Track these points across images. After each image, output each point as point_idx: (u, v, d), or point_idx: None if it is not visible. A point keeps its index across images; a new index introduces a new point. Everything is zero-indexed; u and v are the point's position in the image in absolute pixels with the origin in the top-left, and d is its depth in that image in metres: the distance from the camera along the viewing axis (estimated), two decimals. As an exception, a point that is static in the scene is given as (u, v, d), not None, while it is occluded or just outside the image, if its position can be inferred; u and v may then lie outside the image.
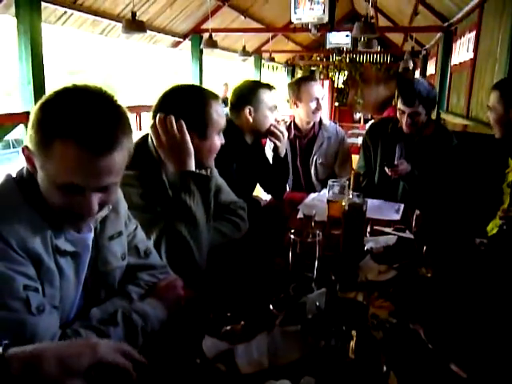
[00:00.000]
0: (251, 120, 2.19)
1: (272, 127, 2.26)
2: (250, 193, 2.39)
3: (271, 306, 1.05)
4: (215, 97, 1.55)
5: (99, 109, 0.91)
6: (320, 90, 2.78)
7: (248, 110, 2.17)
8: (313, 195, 2.47)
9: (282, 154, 2.35)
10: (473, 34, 5.37)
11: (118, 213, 1.13)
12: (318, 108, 2.73)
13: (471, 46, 5.40)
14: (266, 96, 2.21)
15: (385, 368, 0.82)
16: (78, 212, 0.94)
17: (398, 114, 2.43)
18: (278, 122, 2.39)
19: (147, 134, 1.52)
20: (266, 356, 0.91)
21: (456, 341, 1.00)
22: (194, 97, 1.51)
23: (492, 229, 1.93)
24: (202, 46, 7.15)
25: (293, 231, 1.16)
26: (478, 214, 2.00)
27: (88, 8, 5.55)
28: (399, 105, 2.39)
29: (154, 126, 1.47)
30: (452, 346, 0.97)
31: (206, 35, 6.88)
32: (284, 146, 2.36)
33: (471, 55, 5.34)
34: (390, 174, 2.34)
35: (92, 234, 1.05)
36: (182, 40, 8.03)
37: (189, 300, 1.19)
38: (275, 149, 2.34)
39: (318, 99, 2.72)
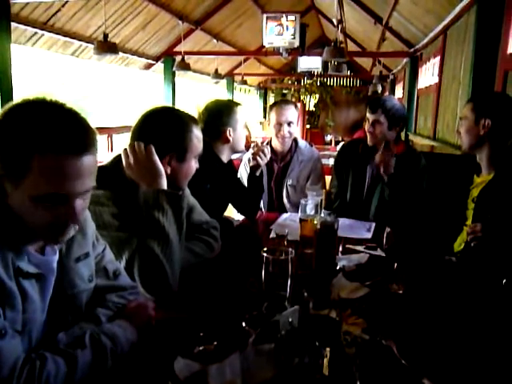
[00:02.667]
0: (231, 140, 2.24)
1: (259, 147, 2.37)
2: (222, 213, 2.39)
3: (244, 324, 1.04)
4: (195, 121, 1.57)
5: (62, 114, 0.91)
6: (287, 115, 2.68)
7: (228, 132, 2.23)
8: (285, 215, 2.49)
9: (258, 173, 2.42)
10: (437, 59, 5.58)
11: (84, 234, 1.10)
12: (282, 133, 2.67)
13: (436, 71, 5.60)
14: (240, 115, 2.28)
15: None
16: (63, 222, 0.92)
17: (366, 128, 2.49)
18: (261, 144, 2.45)
19: (120, 155, 1.51)
20: (239, 376, 0.90)
21: (428, 356, 1.01)
22: (176, 120, 1.52)
23: (460, 244, 1.98)
24: (174, 69, 7.21)
25: (265, 249, 1.16)
26: (446, 231, 2.05)
27: (59, 29, 5.53)
28: (367, 114, 2.47)
29: (125, 149, 1.47)
30: (424, 361, 0.98)
31: (178, 58, 6.95)
32: (263, 167, 2.45)
33: (436, 79, 5.53)
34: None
35: (57, 256, 1.02)
36: (154, 62, 8.07)
37: (160, 321, 1.16)
38: (254, 168, 2.39)
39: (281, 124, 2.66)
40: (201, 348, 0.99)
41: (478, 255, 1.78)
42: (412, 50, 6.99)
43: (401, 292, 1.43)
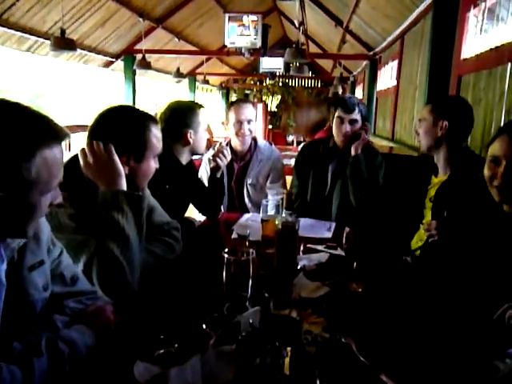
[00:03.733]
0: (192, 142, 2.22)
1: (218, 149, 2.35)
2: (183, 214, 2.37)
3: (204, 326, 1.03)
4: (155, 120, 1.55)
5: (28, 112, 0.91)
6: (246, 113, 2.67)
7: (189, 134, 2.21)
8: (247, 215, 2.49)
9: (219, 175, 2.42)
10: (395, 63, 5.74)
11: (38, 240, 1.05)
12: (242, 131, 2.66)
13: (394, 74, 5.76)
14: (202, 117, 2.27)
15: (318, 383, 0.83)
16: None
17: (335, 127, 2.51)
18: (221, 145, 2.44)
19: (77, 155, 1.47)
20: (200, 379, 0.89)
21: (386, 352, 1.03)
22: (135, 120, 1.50)
23: (417, 242, 2.04)
24: (134, 67, 7.09)
25: (227, 250, 1.16)
26: (404, 229, 2.10)
27: (14, 24, 5.33)
28: (339, 113, 2.47)
29: (82, 148, 1.43)
30: (382, 358, 1.00)
31: (139, 56, 6.84)
32: (223, 168, 2.44)
33: (395, 82, 5.69)
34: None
35: (4, 266, 0.96)
36: (114, 60, 7.90)
37: (119, 324, 1.14)
38: (215, 169, 2.38)
39: (241, 122, 2.65)
40: (161, 351, 0.97)
41: (434, 252, 1.84)
42: (371, 53, 7.16)
43: (360, 291, 1.46)
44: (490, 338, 1.37)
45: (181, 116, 2.23)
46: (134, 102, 7.80)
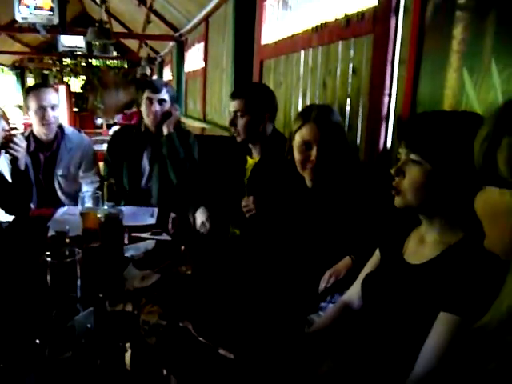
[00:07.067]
0: None
1: (7, 139, 2.08)
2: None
3: (38, 341, 0.95)
4: None
5: None
6: (49, 98, 2.46)
7: None
8: (62, 209, 2.32)
9: (22, 167, 2.17)
10: (202, 45, 5.87)
11: None
12: (46, 118, 2.44)
13: (201, 56, 5.90)
14: None
15: (165, 372, 0.84)
16: None
17: (144, 108, 2.50)
18: (10, 132, 2.17)
19: None
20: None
21: (221, 328, 1.10)
22: None
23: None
24: None
25: (48, 253, 1.07)
26: (227, 207, 2.21)
27: None
28: (147, 94, 2.47)
29: None
30: (218, 334, 1.06)
31: None
32: (23, 159, 2.19)
33: (203, 64, 5.83)
34: None
35: None
36: None
37: None
38: (15, 161, 2.13)
39: (44, 109, 2.43)
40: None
41: (254, 226, 2.00)
42: (177, 34, 7.18)
43: (189, 273, 1.51)
44: (305, 296, 1.57)
45: None
46: None
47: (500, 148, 0.59)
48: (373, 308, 1.13)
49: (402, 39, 1.86)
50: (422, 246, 1.08)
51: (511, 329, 0.56)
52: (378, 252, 1.25)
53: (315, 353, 1.10)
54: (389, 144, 1.98)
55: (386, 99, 1.96)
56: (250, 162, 2.19)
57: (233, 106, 2.12)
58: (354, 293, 1.26)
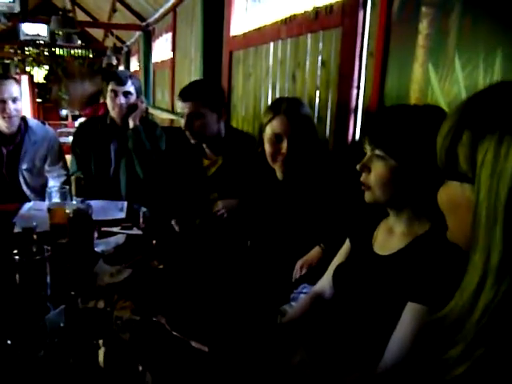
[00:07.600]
0: None
1: None
2: None
3: (9, 341, 0.93)
4: None
5: None
6: (10, 90, 2.38)
7: None
8: (28, 204, 2.26)
9: None
10: (170, 36, 5.79)
11: None
12: (7, 111, 2.36)
13: (169, 46, 5.81)
14: None
15: (140, 368, 0.84)
16: None
17: (109, 101, 2.46)
18: None
19: None
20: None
21: (193, 321, 1.10)
22: None
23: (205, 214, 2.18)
24: None
25: (16, 251, 1.05)
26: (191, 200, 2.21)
27: None
28: (112, 87, 2.43)
29: None
30: (191, 327, 1.07)
31: None
32: None
33: (171, 55, 5.75)
34: None
35: None
36: None
37: None
38: None
39: (4, 101, 2.34)
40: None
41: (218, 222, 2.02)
42: (144, 23, 7.05)
43: (161, 267, 1.50)
44: (277, 286, 1.59)
45: None
46: None
47: (461, 142, 0.61)
48: (344, 298, 1.15)
49: (369, 33, 1.89)
50: (391, 236, 1.10)
51: (471, 317, 0.58)
52: (348, 242, 1.27)
53: (288, 343, 1.12)
54: (357, 136, 2.01)
55: (355, 91, 1.98)
56: (206, 162, 2.18)
57: (187, 107, 2.05)
58: (325, 283, 1.28)
